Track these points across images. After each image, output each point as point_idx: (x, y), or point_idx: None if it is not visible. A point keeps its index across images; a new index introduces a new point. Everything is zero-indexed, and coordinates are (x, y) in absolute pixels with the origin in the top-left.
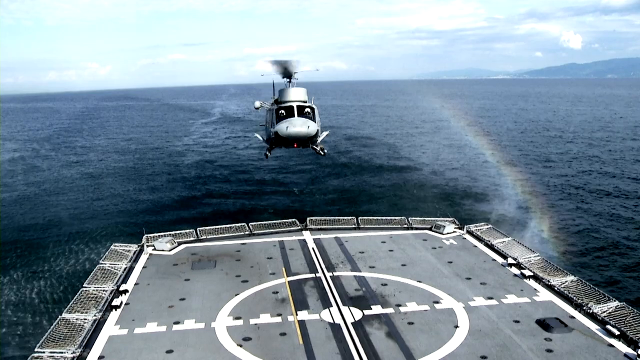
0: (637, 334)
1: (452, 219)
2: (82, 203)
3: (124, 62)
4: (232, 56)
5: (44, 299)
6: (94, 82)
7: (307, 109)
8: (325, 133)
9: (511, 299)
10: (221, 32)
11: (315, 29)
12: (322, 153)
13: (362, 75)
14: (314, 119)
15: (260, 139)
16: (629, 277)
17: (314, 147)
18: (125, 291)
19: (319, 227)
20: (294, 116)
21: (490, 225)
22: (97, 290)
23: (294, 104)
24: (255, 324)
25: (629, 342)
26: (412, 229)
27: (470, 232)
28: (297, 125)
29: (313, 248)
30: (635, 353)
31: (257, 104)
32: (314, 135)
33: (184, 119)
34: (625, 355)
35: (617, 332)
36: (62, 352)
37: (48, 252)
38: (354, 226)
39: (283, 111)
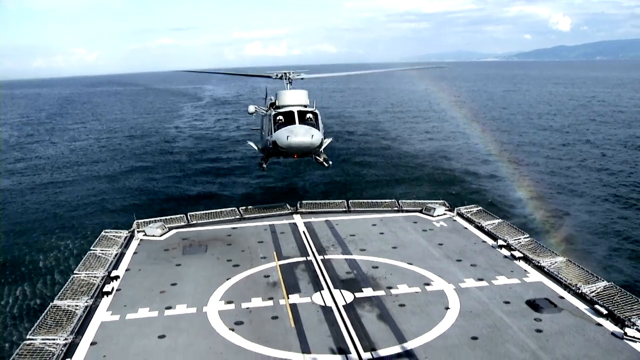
0: (624, 312)
1: (442, 201)
2: (72, 189)
3: (111, 47)
4: (221, 40)
5: (35, 287)
6: (81, 67)
7: (309, 115)
8: (328, 140)
9: (501, 280)
10: (210, 16)
11: (304, 12)
12: (326, 164)
13: (351, 58)
14: (317, 127)
15: (255, 147)
16: (617, 257)
17: (317, 157)
18: (117, 277)
19: (309, 210)
20: (294, 123)
21: (480, 207)
22: (88, 276)
23: (294, 109)
24: (247, 308)
25: (616, 320)
26: (402, 211)
27: (460, 214)
28: (299, 135)
29: (304, 231)
30: (622, 332)
31: (252, 108)
32: (318, 145)
33: (174, 102)
34: (613, 333)
35: (605, 312)
36: (54, 339)
37: (37, 239)
38: (344, 209)
39: (281, 117)
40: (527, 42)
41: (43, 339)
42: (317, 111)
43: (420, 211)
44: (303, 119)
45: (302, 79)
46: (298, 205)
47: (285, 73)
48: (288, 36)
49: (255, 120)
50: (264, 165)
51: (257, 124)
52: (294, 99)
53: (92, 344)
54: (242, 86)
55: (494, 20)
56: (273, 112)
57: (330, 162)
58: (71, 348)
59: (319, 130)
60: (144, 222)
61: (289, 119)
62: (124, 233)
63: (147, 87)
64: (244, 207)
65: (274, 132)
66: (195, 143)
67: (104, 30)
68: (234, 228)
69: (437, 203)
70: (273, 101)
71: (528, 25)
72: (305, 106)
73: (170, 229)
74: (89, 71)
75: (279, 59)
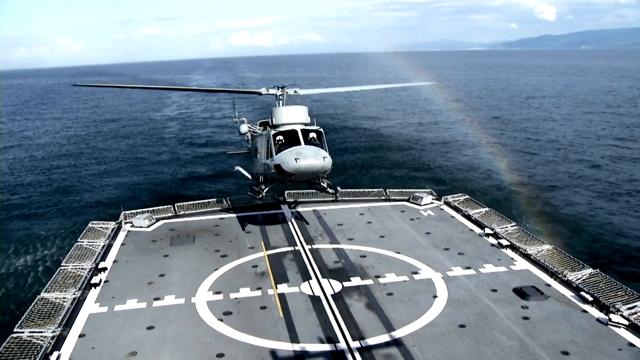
0: (609, 299)
1: (429, 190)
2: (58, 180)
3: (96, 37)
4: (207, 30)
5: (22, 279)
6: (66, 58)
7: (313, 134)
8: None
9: (489, 268)
10: (195, 5)
11: (291, 1)
12: (332, 191)
13: (338, 48)
14: (324, 147)
15: (246, 174)
16: (603, 244)
17: (321, 182)
18: (104, 269)
19: (297, 200)
20: (299, 144)
21: (467, 196)
22: (75, 268)
23: (297, 128)
24: (235, 298)
25: (601, 307)
26: (389, 200)
27: (447, 203)
28: (308, 157)
29: (291, 221)
30: (607, 318)
31: (244, 128)
32: (328, 169)
33: (161, 92)
34: (598, 320)
35: (590, 299)
36: (41, 332)
37: (23, 231)
38: (332, 199)
39: (282, 137)
40: (514, 31)
41: (30, 332)
42: (321, 129)
43: (408, 200)
44: (307, 138)
45: (296, 94)
46: (285, 195)
47: (278, 87)
48: (274, 25)
49: (235, 141)
50: (263, 194)
51: (236, 147)
52: (294, 116)
53: (81, 336)
54: (228, 76)
55: (480, 9)
56: (272, 132)
57: (339, 188)
58: (59, 340)
59: (327, 151)
60: (131, 213)
61: (291, 139)
62: (111, 224)
63: (135, 77)
64: (231, 198)
65: (276, 154)
66: (183, 133)
67: (89, 19)
68: (221, 218)
69: (424, 192)
70: (265, 120)
71: (514, 14)
72: (306, 124)
73: (157, 220)
74: (75, 61)
75: (265, 49)
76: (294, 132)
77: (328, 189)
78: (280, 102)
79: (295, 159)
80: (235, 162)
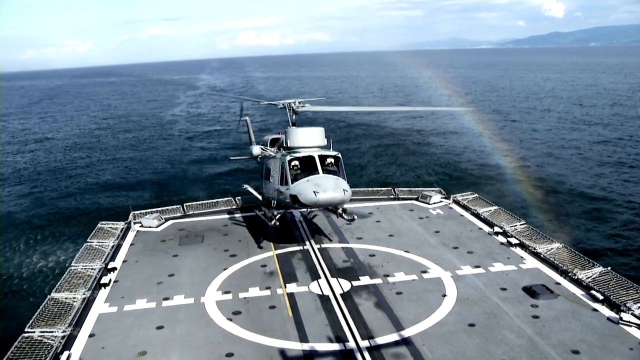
0: (620, 298)
1: (438, 188)
2: (67, 181)
3: (102, 38)
4: (213, 30)
5: (32, 279)
6: (72, 59)
7: (331, 159)
8: None
9: (498, 267)
10: (200, 5)
11: (295, 1)
12: (349, 218)
13: (345, 47)
14: (342, 175)
15: (256, 195)
16: (614, 242)
17: (338, 209)
18: (114, 269)
19: None
20: (316, 172)
21: (476, 195)
22: (85, 268)
23: (315, 154)
24: (245, 297)
25: (612, 306)
26: (398, 199)
27: (456, 202)
28: (328, 190)
29: (300, 220)
30: (618, 316)
31: (257, 150)
32: (348, 201)
33: (171, 91)
34: (608, 319)
35: (601, 297)
36: (52, 332)
37: (33, 231)
38: None
39: (297, 163)
40: (521, 29)
41: (41, 332)
42: (339, 155)
43: (417, 199)
44: (324, 165)
45: (304, 107)
46: None
47: (289, 103)
48: (280, 25)
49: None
50: (276, 222)
51: (247, 158)
52: (310, 139)
53: (91, 335)
54: (235, 75)
55: (486, 6)
56: (287, 157)
57: (355, 217)
58: (69, 340)
59: (345, 179)
60: (140, 213)
61: (307, 166)
62: (121, 224)
63: (143, 77)
64: (240, 197)
65: (291, 183)
66: (191, 132)
67: (94, 20)
68: (230, 218)
69: (433, 191)
70: (276, 137)
71: (521, 12)
72: (323, 147)
73: (166, 219)
74: (82, 62)
75: (272, 49)
76: (311, 158)
77: (344, 214)
78: (293, 115)
79: (314, 192)
80: (240, 169)
